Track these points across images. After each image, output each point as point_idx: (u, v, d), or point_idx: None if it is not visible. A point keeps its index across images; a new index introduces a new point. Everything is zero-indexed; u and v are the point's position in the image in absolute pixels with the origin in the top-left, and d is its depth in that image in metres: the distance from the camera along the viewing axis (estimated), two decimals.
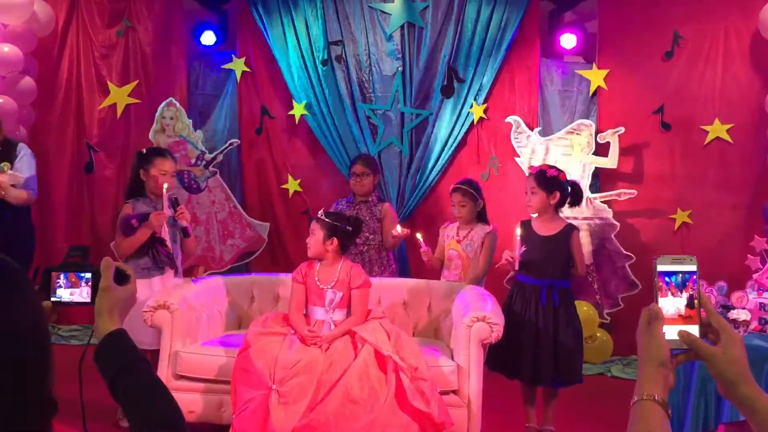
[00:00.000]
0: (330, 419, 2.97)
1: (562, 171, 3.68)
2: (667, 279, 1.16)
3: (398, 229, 4.22)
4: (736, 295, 2.61)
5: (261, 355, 3.18)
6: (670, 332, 1.13)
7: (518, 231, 3.60)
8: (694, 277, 1.16)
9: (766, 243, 2.84)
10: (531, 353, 3.56)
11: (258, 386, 3.09)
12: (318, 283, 3.52)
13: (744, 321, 2.56)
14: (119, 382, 1.25)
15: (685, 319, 1.14)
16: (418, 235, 4.09)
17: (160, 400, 1.25)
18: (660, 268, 1.16)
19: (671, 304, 1.15)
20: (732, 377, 1.09)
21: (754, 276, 2.81)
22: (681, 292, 1.16)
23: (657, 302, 1.15)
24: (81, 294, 1.38)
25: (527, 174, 3.72)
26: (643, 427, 1.06)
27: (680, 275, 1.16)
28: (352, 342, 3.28)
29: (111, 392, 1.26)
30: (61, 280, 1.38)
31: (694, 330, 1.14)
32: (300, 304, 3.54)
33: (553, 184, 3.58)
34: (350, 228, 3.55)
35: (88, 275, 1.38)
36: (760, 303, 2.68)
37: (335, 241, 3.51)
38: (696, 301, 1.15)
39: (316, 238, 3.53)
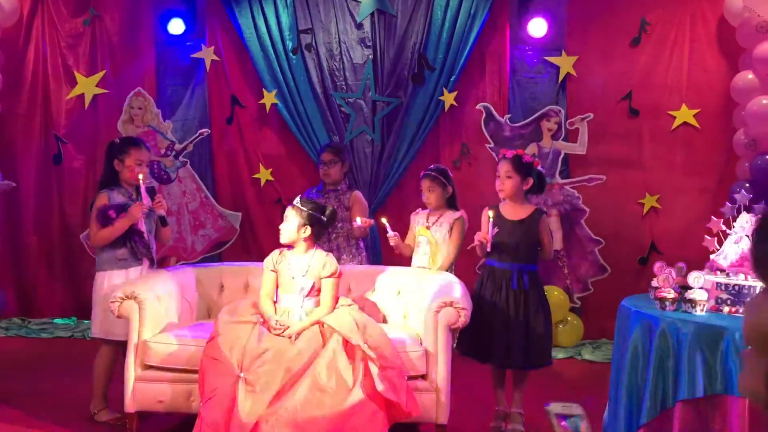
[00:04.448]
0: (297, 407, 2.97)
1: (535, 159, 3.78)
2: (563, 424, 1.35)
3: (358, 220, 4.22)
4: (692, 276, 2.67)
5: (229, 343, 3.17)
6: None
7: (490, 213, 3.63)
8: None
9: (722, 224, 2.90)
10: (502, 337, 3.60)
11: (225, 374, 3.08)
12: (289, 271, 3.51)
13: (700, 301, 2.62)
14: None
15: None
16: (384, 220, 4.09)
17: None
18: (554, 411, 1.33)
19: None
20: None
21: (711, 257, 2.87)
22: None
23: None
24: None
25: (499, 159, 3.76)
26: None
27: (573, 419, 1.36)
28: (320, 331, 3.28)
29: None
30: None
31: None
32: (270, 292, 3.53)
33: (528, 170, 3.65)
34: (325, 218, 3.53)
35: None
36: (716, 283, 2.74)
37: (309, 229, 3.49)
38: None
39: (290, 225, 3.50)
